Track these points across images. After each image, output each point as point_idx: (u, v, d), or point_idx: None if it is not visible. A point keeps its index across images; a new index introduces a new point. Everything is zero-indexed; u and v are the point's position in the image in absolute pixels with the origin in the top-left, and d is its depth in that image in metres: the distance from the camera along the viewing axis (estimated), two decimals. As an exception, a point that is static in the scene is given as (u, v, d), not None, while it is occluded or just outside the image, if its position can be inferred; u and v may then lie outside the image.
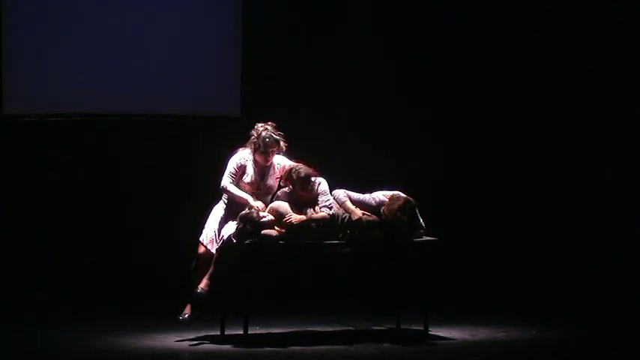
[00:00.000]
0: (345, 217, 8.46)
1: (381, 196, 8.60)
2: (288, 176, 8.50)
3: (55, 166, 10.33)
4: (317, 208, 8.47)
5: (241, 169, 8.60)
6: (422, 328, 8.74)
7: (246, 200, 8.46)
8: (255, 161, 8.61)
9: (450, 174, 10.89)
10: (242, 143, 8.66)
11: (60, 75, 10.26)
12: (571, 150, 10.92)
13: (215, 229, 8.52)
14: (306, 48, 10.71)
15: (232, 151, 8.67)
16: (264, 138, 8.52)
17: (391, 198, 8.53)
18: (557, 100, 10.94)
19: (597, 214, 10.78)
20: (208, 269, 8.44)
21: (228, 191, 8.53)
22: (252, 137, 8.58)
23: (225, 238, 8.40)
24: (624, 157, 10.84)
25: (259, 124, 8.59)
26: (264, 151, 8.54)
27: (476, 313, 9.70)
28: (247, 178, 8.57)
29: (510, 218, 10.86)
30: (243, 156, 8.62)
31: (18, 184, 10.31)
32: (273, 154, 8.59)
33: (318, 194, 8.51)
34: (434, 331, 8.78)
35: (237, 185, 8.56)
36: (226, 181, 8.55)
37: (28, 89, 10.29)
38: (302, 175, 8.45)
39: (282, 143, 8.58)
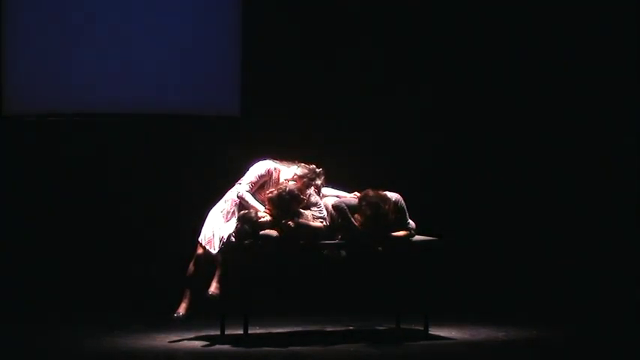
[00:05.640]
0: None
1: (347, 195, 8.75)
2: (280, 201, 8.39)
3: (55, 166, 10.32)
4: (310, 216, 8.48)
5: (262, 179, 8.63)
6: (422, 328, 8.74)
7: (259, 211, 8.48)
8: (277, 178, 8.64)
9: (451, 174, 10.88)
10: (266, 152, 8.74)
11: (60, 75, 10.26)
12: (572, 150, 10.92)
13: (213, 230, 8.52)
14: (306, 48, 10.69)
15: (256, 159, 8.71)
16: (321, 180, 8.62)
17: (360, 211, 8.53)
18: (560, 97, 10.92)
19: (597, 214, 10.77)
20: (206, 270, 8.44)
21: (244, 199, 8.54)
22: (308, 172, 8.57)
23: (225, 239, 8.41)
24: (625, 156, 10.84)
25: (315, 166, 8.63)
26: (310, 186, 8.58)
27: (476, 313, 9.70)
28: (267, 191, 8.59)
29: (510, 218, 10.85)
30: (268, 168, 8.67)
31: (18, 184, 10.30)
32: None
33: (311, 204, 8.51)
34: (434, 331, 8.78)
35: (253, 195, 8.59)
36: (244, 189, 8.57)
37: (28, 89, 10.28)
38: (295, 192, 8.43)
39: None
